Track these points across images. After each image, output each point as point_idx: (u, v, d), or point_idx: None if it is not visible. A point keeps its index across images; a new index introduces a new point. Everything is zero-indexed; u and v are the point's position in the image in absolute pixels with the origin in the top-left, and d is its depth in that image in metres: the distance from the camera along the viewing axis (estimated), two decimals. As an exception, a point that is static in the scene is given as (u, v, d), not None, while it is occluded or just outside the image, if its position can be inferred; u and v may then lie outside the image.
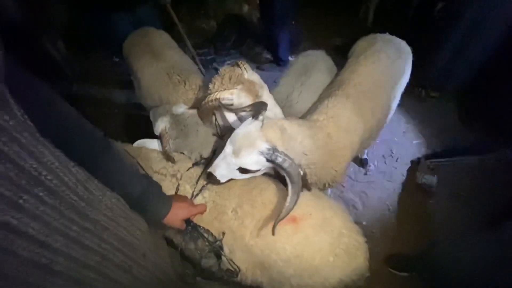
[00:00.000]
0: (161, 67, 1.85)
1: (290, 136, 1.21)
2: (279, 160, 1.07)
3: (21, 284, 0.55)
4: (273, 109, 1.37)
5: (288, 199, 1.11)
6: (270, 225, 1.19)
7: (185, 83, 1.75)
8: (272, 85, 2.00)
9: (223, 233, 1.24)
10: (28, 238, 0.55)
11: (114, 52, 3.43)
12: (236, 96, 1.28)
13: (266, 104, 1.22)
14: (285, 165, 1.07)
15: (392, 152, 2.74)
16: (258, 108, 1.20)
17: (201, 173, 1.38)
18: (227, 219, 1.27)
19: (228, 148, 1.18)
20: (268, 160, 1.10)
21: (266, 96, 1.36)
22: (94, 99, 3.26)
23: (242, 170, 1.19)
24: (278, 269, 1.22)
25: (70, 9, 3.07)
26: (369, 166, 2.67)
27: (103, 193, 0.81)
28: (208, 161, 1.47)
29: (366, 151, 2.58)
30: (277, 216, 1.13)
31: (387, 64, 1.69)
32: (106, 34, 2.78)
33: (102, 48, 3.54)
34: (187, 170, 1.40)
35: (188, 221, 1.17)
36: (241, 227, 1.24)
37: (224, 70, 1.35)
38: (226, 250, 1.26)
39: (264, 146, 1.10)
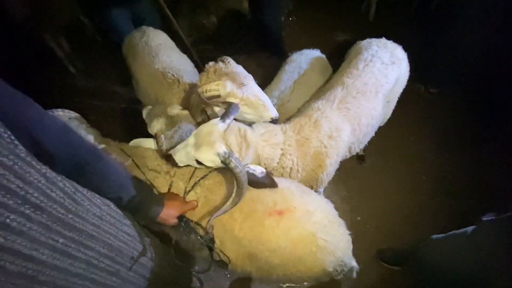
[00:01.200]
0: (157, 67, 1.88)
1: (248, 144, 1.31)
2: (232, 165, 1.15)
3: None
4: (260, 97, 1.42)
5: (230, 199, 1.21)
6: (258, 218, 1.29)
7: (178, 83, 1.79)
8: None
9: (212, 226, 1.31)
10: (15, 253, 0.60)
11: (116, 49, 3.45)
12: (222, 87, 1.34)
13: (238, 108, 1.35)
14: (236, 170, 1.15)
15: (390, 148, 2.75)
16: (229, 109, 1.30)
17: (162, 155, 1.45)
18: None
19: (191, 140, 1.28)
20: (222, 162, 1.18)
21: (252, 84, 1.42)
22: (99, 94, 3.30)
23: (198, 162, 1.28)
24: (265, 259, 1.30)
25: (72, 6, 3.09)
26: (366, 162, 2.70)
27: (91, 203, 0.85)
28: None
29: (363, 147, 2.59)
30: (214, 213, 1.24)
31: (380, 69, 1.70)
32: (107, 31, 2.80)
33: (105, 44, 3.56)
34: (180, 167, 1.45)
35: (181, 217, 1.25)
36: (230, 220, 1.31)
37: (209, 65, 1.42)
38: (217, 241, 1.33)
39: (222, 149, 1.18)
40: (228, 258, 1.34)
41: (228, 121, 1.26)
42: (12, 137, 0.61)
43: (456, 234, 1.56)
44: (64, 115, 1.55)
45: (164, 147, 1.47)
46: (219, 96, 1.36)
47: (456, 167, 2.62)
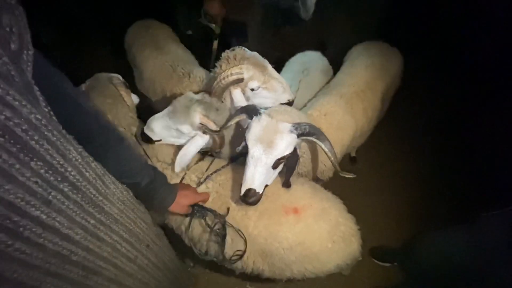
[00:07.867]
0: (165, 59, 1.85)
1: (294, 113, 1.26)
2: (306, 128, 1.13)
3: (43, 273, 0.59)
4: (280, 79, 1.43)
5: (328, 153, 1.14)
6: (274, 216, 1.29)
7: (189, 76, 1.75)
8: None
9: (228, 209, 1.31)
10: (54, 231, 0.59)
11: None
12: (245, 70, 1.35)
13: (256, 106, 1.28)
14: (312, 130, 1.13)
15: (381, 147, 2.79)
16: (250, 109, 1.24)
17: (219, 139, 1.40)
18: (231, 210, 1.33)
19: (256, 152, 1.16)
20: (298, 135, 1.15)
21: (270, 68, 1.44)
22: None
23: (275, 165, 1.18)
24: (280, 256, 1.30)
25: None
26: (358, 163, 2.73)
27: (116, 186, 0.85)
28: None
29: (355, 149, 2.65)
30: (336, 165, 1.19)
31: (379, 69, 1.86)
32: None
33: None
34: (196, 163, 1.46)
35: (193, 205, 1.23)
36: (244, 217, 1.31)
37: (227, 52, 1.40)
38: (228, 239, 1.30)
39: (289, 125, 1.15)
40: (245, 241, 1.29)
41: (260, 112, 1.21)
42: (51, 113, 0.61)
43: (454, 229, 1.60)
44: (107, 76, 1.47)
45: (223, 128, 1.35)
46: (242, 79, 1.36)
47: (448, 166, 2.64)
